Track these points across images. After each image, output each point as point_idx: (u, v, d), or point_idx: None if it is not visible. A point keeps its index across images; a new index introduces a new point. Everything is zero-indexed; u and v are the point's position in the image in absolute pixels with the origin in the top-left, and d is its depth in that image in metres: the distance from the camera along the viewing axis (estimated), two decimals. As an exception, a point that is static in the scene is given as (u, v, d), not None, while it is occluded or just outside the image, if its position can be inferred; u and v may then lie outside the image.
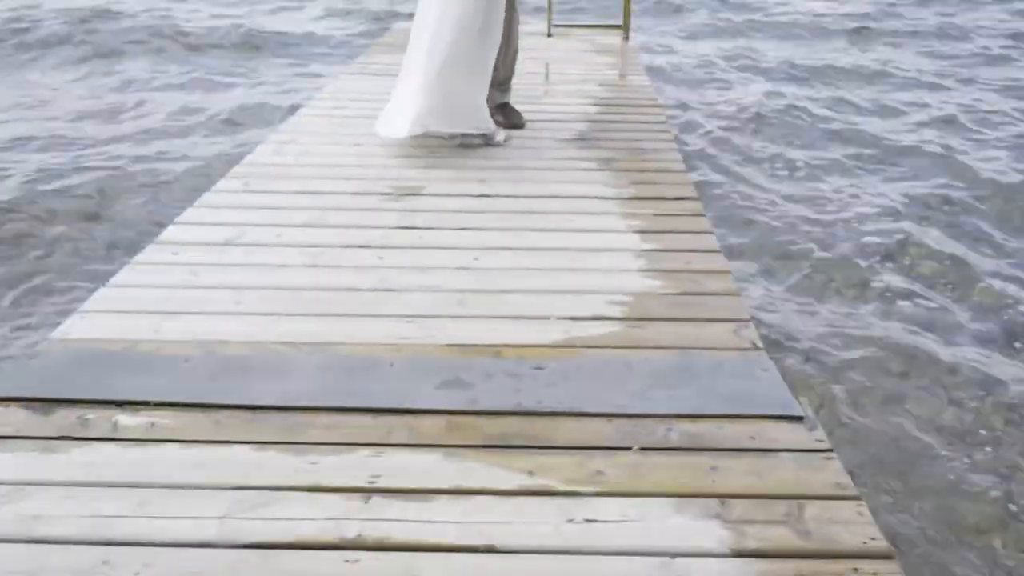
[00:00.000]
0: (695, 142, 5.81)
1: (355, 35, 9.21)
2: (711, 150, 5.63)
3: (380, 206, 3.07)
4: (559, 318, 2.28)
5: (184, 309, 2.32)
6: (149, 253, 2.68)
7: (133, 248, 3.07)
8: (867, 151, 5.72)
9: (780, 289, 3.89)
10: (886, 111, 6.71)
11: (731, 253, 3.93)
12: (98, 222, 4.43)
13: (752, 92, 7.04)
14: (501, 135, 3.79)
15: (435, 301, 2.38)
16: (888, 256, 4.18)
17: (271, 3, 10.93)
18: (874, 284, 3.89)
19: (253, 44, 8.59)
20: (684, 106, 6.81)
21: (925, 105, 6.78)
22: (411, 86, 3.60)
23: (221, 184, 3.30)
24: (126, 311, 2.31)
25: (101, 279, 2.52)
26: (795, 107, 6.60)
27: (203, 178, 4.81)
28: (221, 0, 10.75)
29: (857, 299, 3.80)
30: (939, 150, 5.66)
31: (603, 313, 2.31)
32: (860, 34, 9.49)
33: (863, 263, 4.11)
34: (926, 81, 7.53)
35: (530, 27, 6.84)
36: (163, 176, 5.04)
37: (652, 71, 7.10)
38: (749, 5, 11.52)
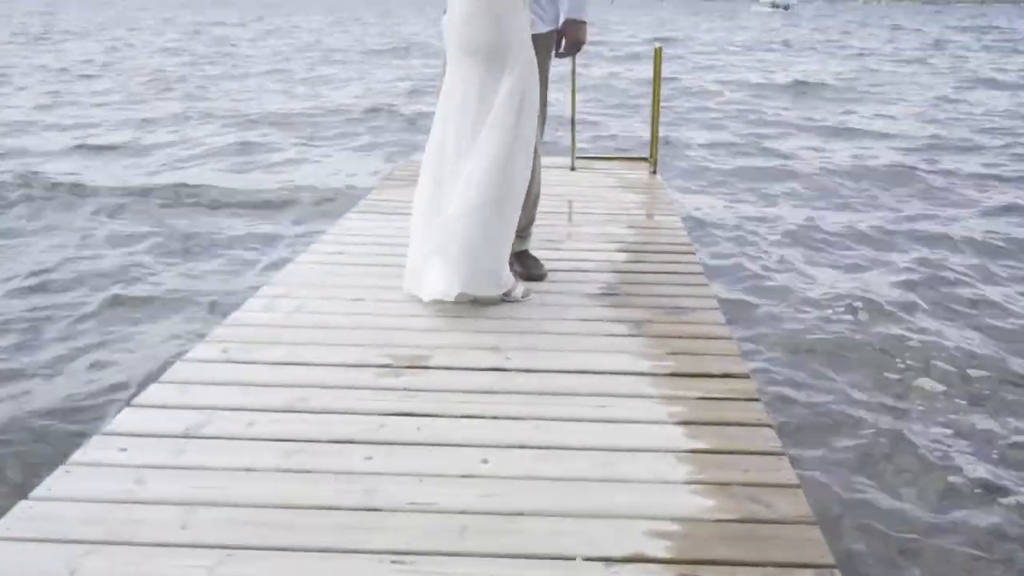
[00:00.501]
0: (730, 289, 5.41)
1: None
2: (750, 297, 5.20)
3: (375, 383, 2.62)
4: (586, 559, 1.78)
5: (115, 537, 1.84)
6: (90, 450, 2.22)
7: (71, 443, 2.63)
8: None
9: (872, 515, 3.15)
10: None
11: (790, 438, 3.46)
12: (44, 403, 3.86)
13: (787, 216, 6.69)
14: (520, 289, 3.37)
15: (431, 528, 1.89)
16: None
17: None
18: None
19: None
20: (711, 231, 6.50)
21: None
22: (431, 242, 3.22)
23: (197, 351, 2.87)
24: (40, 539, 1.84)
25: (23, 490, 2.06)
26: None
27: (174, 341, 4.42)
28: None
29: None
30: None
31: (643, 551, 1.81)
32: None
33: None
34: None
35: (552, 159, 6.59)
36: (135, 336, 4.65)
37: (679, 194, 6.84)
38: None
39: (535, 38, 3.24)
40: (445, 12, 3.39)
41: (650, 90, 6.28)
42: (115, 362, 4.30)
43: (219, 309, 4.83)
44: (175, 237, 6.52)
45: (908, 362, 4.38)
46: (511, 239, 3.31)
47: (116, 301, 5.11)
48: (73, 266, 5.74)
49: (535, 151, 3.40)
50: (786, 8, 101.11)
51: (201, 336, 3.15)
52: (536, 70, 3.18)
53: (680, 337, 3.01)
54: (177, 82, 17.01)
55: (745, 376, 2.70)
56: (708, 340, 2.98)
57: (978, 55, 27.25)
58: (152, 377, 2.87)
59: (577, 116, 6.20)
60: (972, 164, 9.20)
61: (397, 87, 16.61)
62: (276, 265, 5.19)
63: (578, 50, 3.44)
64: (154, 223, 6.93)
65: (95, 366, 4.26)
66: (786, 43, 33.70)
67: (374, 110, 13.16)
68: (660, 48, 6.01)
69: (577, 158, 6.31)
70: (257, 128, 11.74)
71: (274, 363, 2.76)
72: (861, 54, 27.92)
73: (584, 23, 3.39)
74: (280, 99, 14.76)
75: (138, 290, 5.37)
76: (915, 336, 4.70)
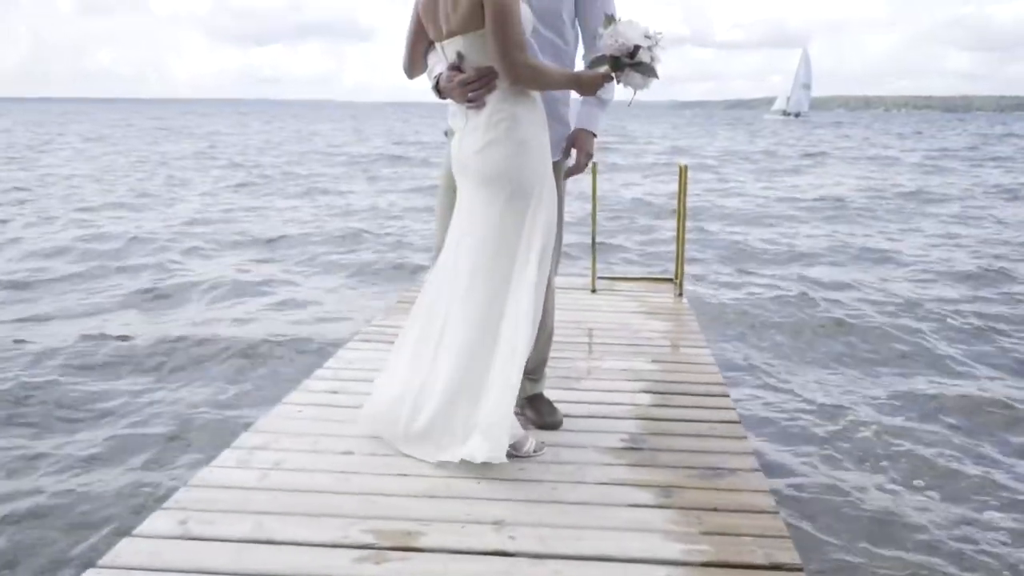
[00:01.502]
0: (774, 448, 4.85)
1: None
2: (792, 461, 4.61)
3: (352, 571, 2.20)
4: None
5: None
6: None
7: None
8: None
9: None
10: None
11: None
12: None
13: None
14: (530, 443, 2.96)
15: None
16: None
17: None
18: None
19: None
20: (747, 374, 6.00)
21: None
22: (414, 383, 2.84)
23: (152, 523, 2.46)
24: None
25: None
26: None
27: (130, 500, 3.97)
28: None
29: None
30: None
31: None
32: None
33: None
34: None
35: (571, 279, 6.27)
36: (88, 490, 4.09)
37: (707, 322, 6.43)
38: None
39: (556, 165, 2.95)
40: (447, 133, 3.10)
41: (674, 204, 6.02)
42: (50, 539, 3.66)
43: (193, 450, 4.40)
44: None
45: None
46: (518, 378, 2.89)
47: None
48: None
49: (549, 285, 3.05)
50: (796, 115, 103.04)
51: (161, 500, 2.75)
52: (556, 201, 2.86)
53: (716, 509, 2.56)
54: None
55: (798, 568, 2.25)
56: (750, 514, 2.54)
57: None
58: (91, 559, 2.45)
59: (597, 232, 5.91)
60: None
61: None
62: (267, 401, 4.70)
63: (588, 163, 3.12)
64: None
65: (30, 528, 3.70)
66: (813, 154, 33.86)
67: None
68: (685, 166, 5.74)
69: (599, 278, 5.98)
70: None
71: (238, 540, 2.34)
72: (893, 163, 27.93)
73: (594, 136, 3.10)
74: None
75: (110, 429, 4.88)
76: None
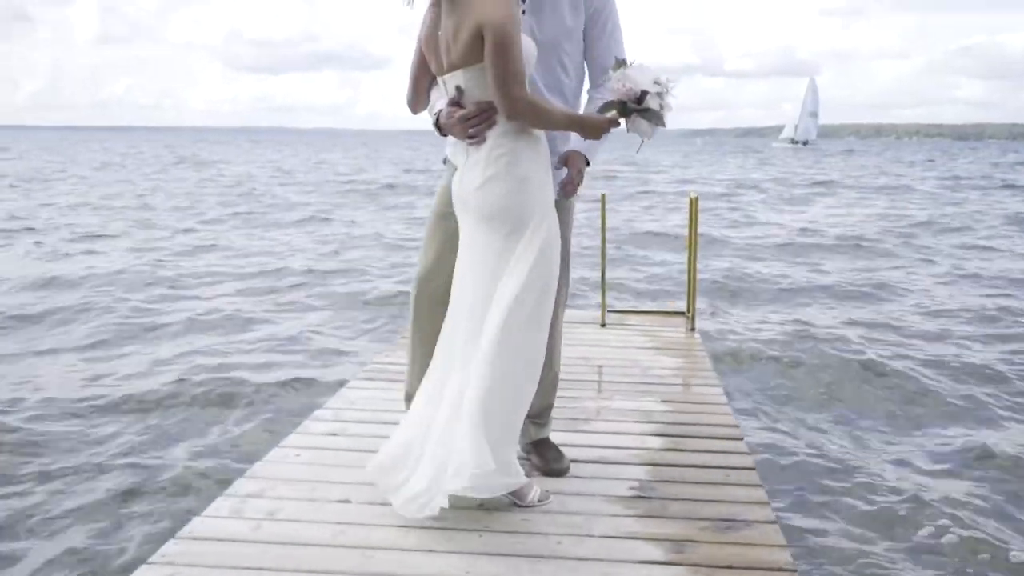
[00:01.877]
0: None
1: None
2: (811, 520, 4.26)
3: (345, 636, 2.07)
4: None
5: None
6: None
7: None
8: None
9: None
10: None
11: None
12: None
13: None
14: (535, 492, 2.83)
15: None
16: None
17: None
18: None
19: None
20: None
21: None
22: (423, 428, 2.72)
23: (136, 578, 2.35)
24: None
25: None
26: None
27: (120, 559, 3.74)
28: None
29: None
30: None
31: None
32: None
33: None
34: None
35: (580, 313, 6.17)
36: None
37: (718, 361, 6.25)
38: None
39: (559, 203, 2.82)
40: (445, 161, 3.01)
41: (685, 234, 5.90)
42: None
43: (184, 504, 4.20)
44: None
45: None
46: (519, 422, 2.77)
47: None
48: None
49: (555, 327, 2.94)
50: (804, 144, 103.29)
51: (149, 552, 2.62)
52: (559, 238, 2.73)
53: (731, 567, 2.43)
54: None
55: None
56: (766, 572, 2.40)
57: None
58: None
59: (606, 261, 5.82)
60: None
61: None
62: (265, 443, 4.48)
63: (580, 180, 2.93)
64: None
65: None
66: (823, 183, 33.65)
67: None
68: (696, 197, 5.65)
69: (608, 312, 5.87)
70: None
71: (225, 601, 2.23)
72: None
73: (587, 162, 2.94)
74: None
75: (97, 475, 4.60)
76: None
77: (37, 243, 13.93)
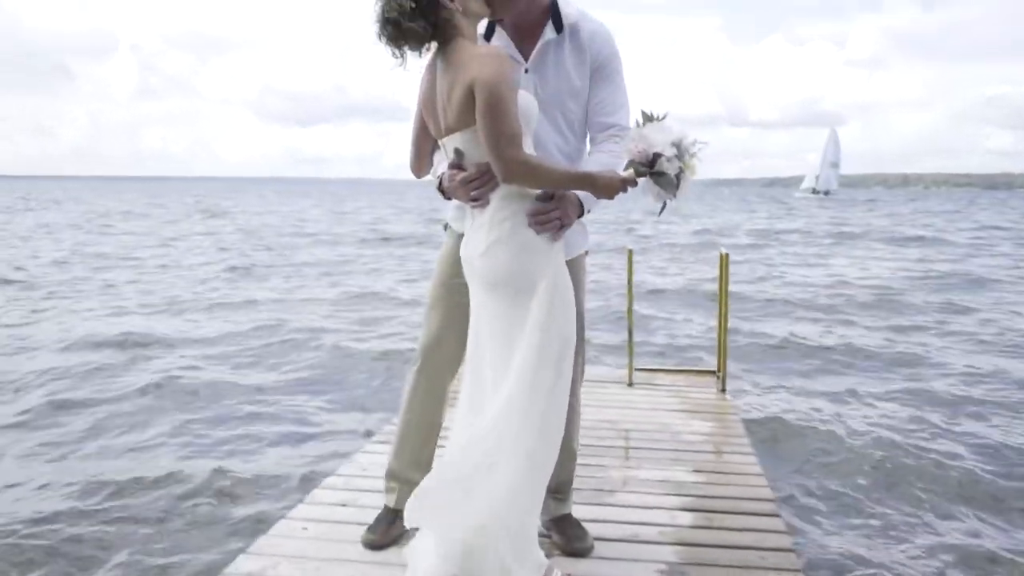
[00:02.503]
0: None
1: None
2: None
3: None
4: None
5: None
6: None
7: None
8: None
9: None
10: None
11: None
12: None
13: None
14: (556, 575, 2.61)
15: None
16: None
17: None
18: None
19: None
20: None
21: None
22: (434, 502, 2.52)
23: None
24: None
25: None
26: None
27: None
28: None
29: None
30: None
31: None
32: None
33: None
34: None
35: (606, 371, 5.96)
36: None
37: (751, 428, 5.88)
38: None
39: (569, 264, 2.64)
40: (446, 227, 2.86)
41: (713, 288, 5.66)
42: None
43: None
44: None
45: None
46: (538, 506, 2.57)
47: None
48: None
49: (573, 395, 2.74)
50: (826, 194, 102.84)
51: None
52: (572, 301, 2.55)
53: (773, 670, 2.19)
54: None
55: None
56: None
57: None
58: None
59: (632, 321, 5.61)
60: None
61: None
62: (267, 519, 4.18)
63: (560, 229, 2.49)
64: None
65: None
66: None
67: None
68: (726, 254, 5.46)
69: (636, 370, 5.66)
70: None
71: None
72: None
73: (582, 212, 2.54)
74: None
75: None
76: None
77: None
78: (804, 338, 10.59)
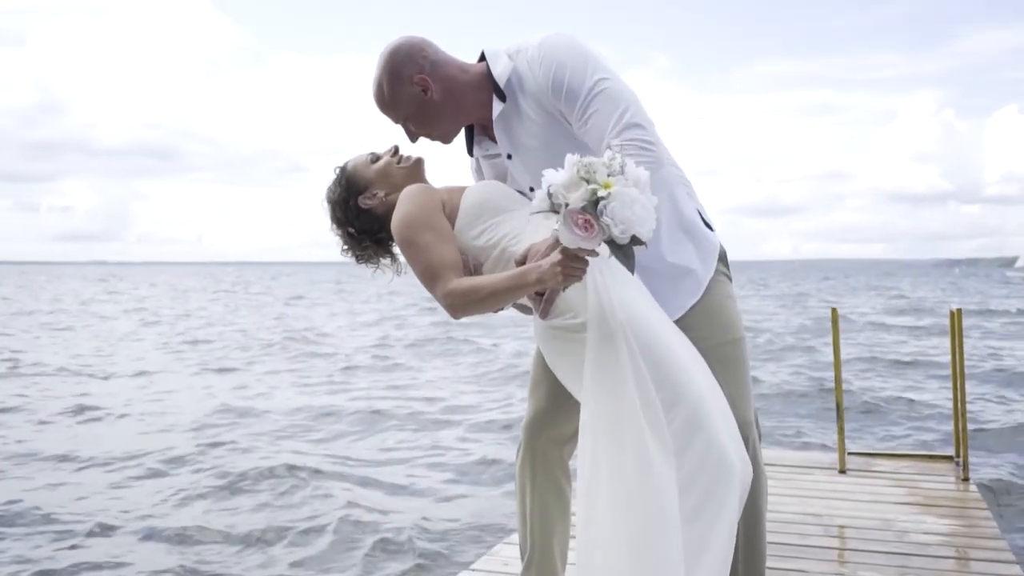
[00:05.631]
0: None
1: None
2: None
3: None
4: None
5: None
6: None
7: None
8: None
9: None
10: None
11: None
12: None
13: None
14: None
15: None
16: None
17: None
18: None
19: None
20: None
21: None
22: None
23: None
24: None
25: None
26: None
27: None
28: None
29: None
30: None
31: None
32: None
33: None
34: None
35: (810, 455, 5.06)
36: None
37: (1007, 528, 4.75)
38: None
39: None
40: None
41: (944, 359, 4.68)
42: None
43: None
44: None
45: None
46: None
47: None
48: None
49: (756, 477, 2.01)
50: None
51: None
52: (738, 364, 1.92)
53: None
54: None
55: None
56: None
57: None
58: None
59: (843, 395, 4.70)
60: None
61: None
62: None
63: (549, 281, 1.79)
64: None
65: None
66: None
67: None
68: (958, 310, 4.48)
69: (850, 454, 4.71)
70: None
71: None
72: None
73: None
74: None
75: None
76: None
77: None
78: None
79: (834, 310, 4.73)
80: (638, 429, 1.71)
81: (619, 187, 1.54)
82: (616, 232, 1.54)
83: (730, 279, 2.15)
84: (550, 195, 1.59)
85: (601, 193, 1.53)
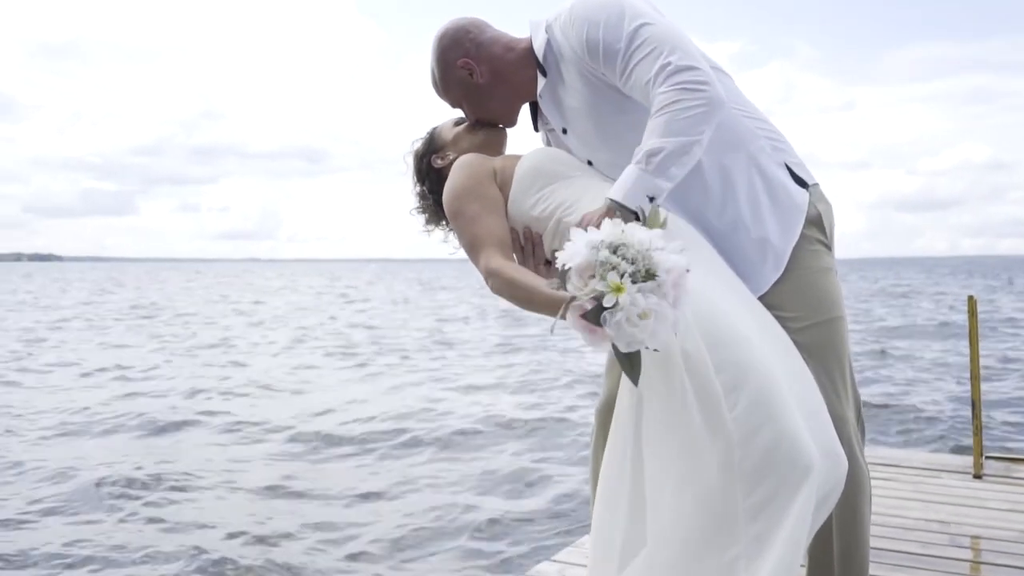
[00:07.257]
0: None
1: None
2: None
3: None
4: None
5: None
6: None
7: None
8: None
9: None
10: None
11: None
12: None
13: None
14: None
15: None
16: None
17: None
18: None
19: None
20: None
21: None
22: None
23: None
24: None
25: None
26: None
27: None
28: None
29: None
30: None
31: None
32: None
33: None
34: None
35: (943, 458, 4.65)
36: None
37: None
38: None
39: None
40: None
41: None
42: None
43: None
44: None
45: None
46: None
47: None
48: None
49: (855, 479, 1.76)
50: None
51: None
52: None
53: None
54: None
55: None
56: None
57: None
58: None
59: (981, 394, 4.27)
60: None
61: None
62: None
63: None
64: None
65: None
66: None
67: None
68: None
69: (986, 458, 4.29)
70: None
71: None
72: None
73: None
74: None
75: None
76: None
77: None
78: None
79: (971, 299, 4.31)
80: (686, 423, 1.53)
81: (629, 296, 1.32)
82: (620, 345, 1.36)
83: (828, 247, 1.89)
84: (563, 273, 1.41)
85: (607, 302, 1.33)
